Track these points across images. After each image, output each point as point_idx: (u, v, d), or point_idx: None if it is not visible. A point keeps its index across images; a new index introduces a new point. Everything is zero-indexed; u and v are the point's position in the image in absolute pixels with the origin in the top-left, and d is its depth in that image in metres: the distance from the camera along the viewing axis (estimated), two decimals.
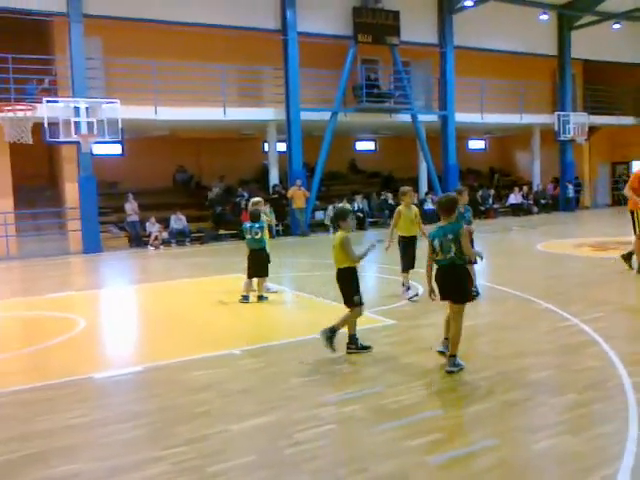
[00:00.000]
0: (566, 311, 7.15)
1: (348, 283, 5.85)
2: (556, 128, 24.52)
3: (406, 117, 21.28)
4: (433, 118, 22.24)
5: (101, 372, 5.68)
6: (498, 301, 7.98)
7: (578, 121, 25.02)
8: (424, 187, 23.10)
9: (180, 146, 21.92)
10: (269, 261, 8.87)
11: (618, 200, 29.02)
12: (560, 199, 25.68)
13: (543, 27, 24.12)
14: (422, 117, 21.63)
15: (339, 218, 5.95)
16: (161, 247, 17.45)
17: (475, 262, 7.73)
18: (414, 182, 23.49)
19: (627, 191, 9.90)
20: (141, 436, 4.18)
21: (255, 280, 8.67)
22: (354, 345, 5.86)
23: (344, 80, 19.70)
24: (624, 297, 8.11)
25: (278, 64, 19.14)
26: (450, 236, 5.08)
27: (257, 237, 8.68)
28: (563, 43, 24.93)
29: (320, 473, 3.55)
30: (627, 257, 9.98)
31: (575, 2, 23.89)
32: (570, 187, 25.59)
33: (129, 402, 4.90)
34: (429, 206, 21.25)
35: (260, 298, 8.61)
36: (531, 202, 24.73)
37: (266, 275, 8.80)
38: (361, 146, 26.95)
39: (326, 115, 19.71)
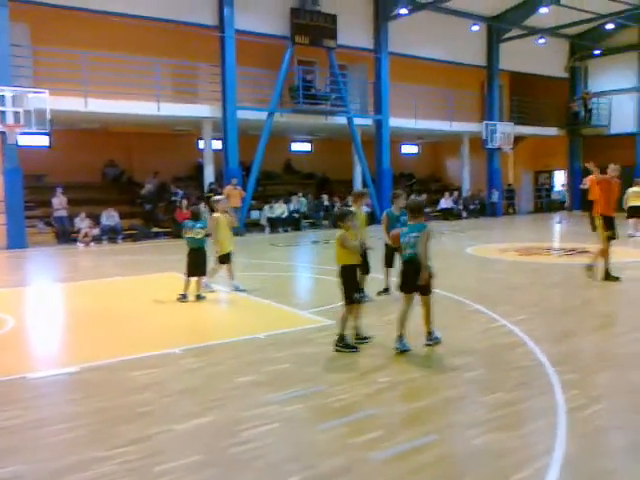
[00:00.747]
0: (495, 312, 7.48)
1: (348, 280, 6.01)
2: (484, 136, 25.49)
3: (342, 120, 21.56)
4: (368, 122, 22.62)
5: (34, 372, 5.50)
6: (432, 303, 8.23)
7: (504, 130, 26.10)
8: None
9: (110, 140, 21.33)
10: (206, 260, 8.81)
11: (541, 207, 30.51)
12: (487, 205, 26.68)
13: (474, 38, 25.03)
14: (357, 120, 21.97)
15: (338, 219, 6.22)
16: (91, 244, 16.93)
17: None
18: (349, 184, 23.85)
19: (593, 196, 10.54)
20: (83, 437, 4.09)
21: (194, 279, 8.59)
22: (342, 343, 5.98)
23: (281, 81, 19.75)
24: (548, 300, 8.54)
25: (215, 61, 18.97)
26: (415, 234, 5.73)
27: (198, 237, 8.61)
28: (492, 55, 25.94)
29: (267, 470, 3.60)
30: (589, 267, 9.94)
31: (504, 15, 24.92)
32: (496, 193, 26.61)
33: (67, 403, 4.78)
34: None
35: (198, 297, 8.55)
36: (460, 207, 25.57)
37: (204, 274, 8.73)
38: (297, 147, 27.07)
39: (262, 115, 19.69)
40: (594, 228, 9.98)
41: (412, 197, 6.63)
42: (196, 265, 8.59)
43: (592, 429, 4.14)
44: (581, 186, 19.14)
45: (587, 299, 8.62)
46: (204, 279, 8.94)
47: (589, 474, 3.54)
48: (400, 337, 5.86)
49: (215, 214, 9.36)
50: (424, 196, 23.90)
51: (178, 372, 5.42)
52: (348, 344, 6.01)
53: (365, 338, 6.25)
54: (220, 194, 18.76)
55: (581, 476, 3.51)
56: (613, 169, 9.66)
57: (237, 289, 9.11)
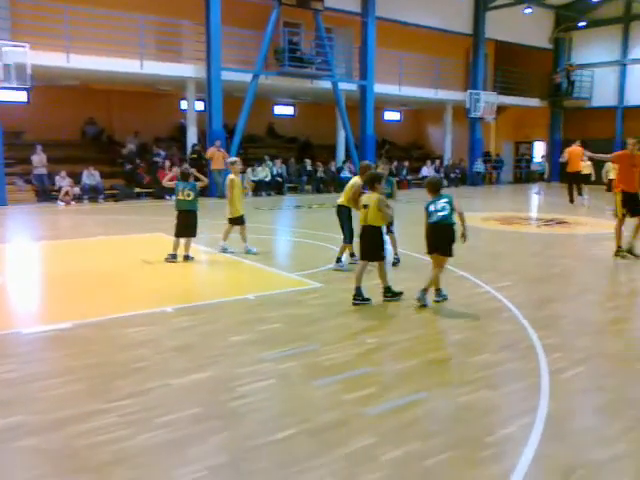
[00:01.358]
0: (479, 279, 7.67)
1: (377, 240, 6.45)
2: (467, 105, 25.51)
3: (327, 84, 21.38)
4: (353, 87, 22.48)
5: (28, 327, 5.56)
6: (417, 268, 8.38)
7: (488, 100, 26.13)
8: (342, 155, 23.44)
9: (91, 98, 20.94)
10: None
11: (520, 177, 30.81)
12: (468, 174, 26.86)
13: (461, 5, 24.88)
14: (342, 85, 21.81)
15: (375, 181, 6.51)
16: (72, 203, 16.76)
17: (392, 231, 8.18)
18: (332, 150, 23.83)
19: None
20: (80, 391, 4.18)
21: (182, 240, 8.63)
22: (390, 293, 6.58)
23: (266, 42, 19.46)
24: (529, 268, 8.76)
25: (200, 20, 18.59)
26: (444, 200, 6.30)
27: (189, 198, 8.62)
28: (478, 23, 25.80)
29: (265, 423, 3.74)
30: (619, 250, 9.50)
31: None
32: (479, 163, 26.76)
33: (62, 358, 4.84)
34: (346, 174, 21.63)
35: (186, 258, 8.60)
36: (442, 175, 25.69)
37: (194, 235, 8.76)
38: (280, 110, 26.84)
39: (247, 77, 19.45)
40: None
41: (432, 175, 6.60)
42: (185, 226, 8.61)
43: (573, 390, 4.35)
44: (560, 159, 19.47)
45: (566, 268, 8.86)
46: (220, 242, 9.22)
47: (571, 430, 3.74)
48: (437, 291, 6.56)
49: (230, 175, 9.42)
50: (395, 163, 23.77)
51: (171, 330, 5.52)
52: (395, 292, 6.60)
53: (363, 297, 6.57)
54: (203, 156, 18.68)
55: (563, 432, 3.71)
56: (633, 142, 9.23)
57: (249, 252, 9.16)
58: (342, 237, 8.25)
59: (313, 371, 4.57)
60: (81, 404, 3.95)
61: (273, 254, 9.94)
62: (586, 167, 18.56)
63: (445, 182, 25.34)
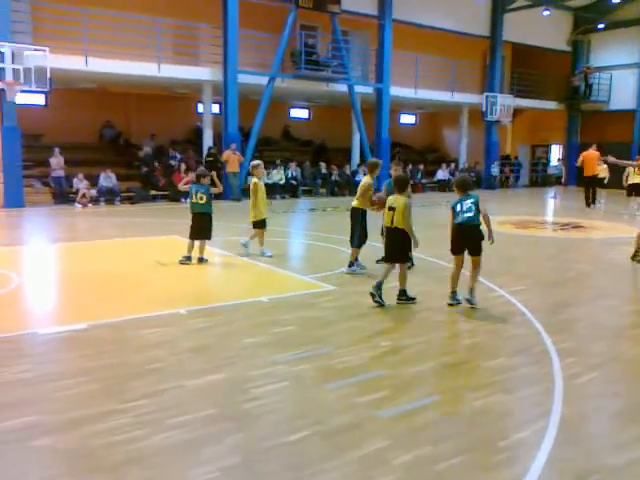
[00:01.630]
0: (493, 283, 7.64)
1: (405, 242, 6.57)
2: (484, 108, 25.38)
3: (342, 87, 21.40)
4: (369, 90, 22.48)
5: (44, 328, 5.63)
6: (431, 272, 8.39)
7: (505, 103, 25.98)
8: (357, 158, 23.44)
9: (108, 101, 21.14)
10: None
11: (536, 181, 30.59)
12: (484, 177, 26.70)
13: (478, 8, 24.77)
14: (358, 88, 21.82)
15: (404, 184, 6.71)
16: (89, 205, 16.93)
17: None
18: (347, 153, 23.84)
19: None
20: (95, 390, 4.23)
21: (197, 242, 8.68)
22: (404, 297, 6.64)
23: (283, 45, 19.52)
24: (544, 272, 8.71)
25: (217, 23, 18.71)
26: (470, 200, 6.35)
27: (202, 202, 8.67)
28: (496, 25, 25.66)
29: (278, 425, 3.76)
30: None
31: None
32: (494, 166, 26.57)
33: (77, 358, 4.89)
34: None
35: (200, 260, 8.65)
36: (472, 175, 25.59)
37: (208, 238, 8.82)
38: (295, 113, 26.91)
39: (263, 79, 19.53)
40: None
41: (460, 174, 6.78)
42: (199, 229, 8.67)
43: (587, 395, 4.32)
44: (576, 163, 19.42)
45: (582, 272, 8.80)
46: (259, 248, 9.30)
47: (585, 435, 3.72)
48: (453, 293, 6.56)
49: (254, 179, 9.41)
50: (410, 166, 23.70)
51: (186, 331, 5.56)
52: (409, 297, 6.64)
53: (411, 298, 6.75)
54: (219, 159, 18.79)
55: (577, 437, 3.68)
56: None
57: (264, 254, 9.21)
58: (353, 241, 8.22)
59: (326, 374, 4.58)
60: (96, 404, 4.00)
61: (287, 257, 9.96)
62: (602, 171, 18.49)
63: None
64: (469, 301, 6.48)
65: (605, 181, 18.88)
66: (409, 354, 5.07)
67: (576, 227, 14.00)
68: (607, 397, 4.31)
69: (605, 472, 3.31)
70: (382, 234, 8.53)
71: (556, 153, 31.03)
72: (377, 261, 8.54)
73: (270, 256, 9.19)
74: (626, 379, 4.64)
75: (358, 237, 8.13)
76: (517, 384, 4.53)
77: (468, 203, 6.36)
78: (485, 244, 6.44)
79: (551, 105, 28.59)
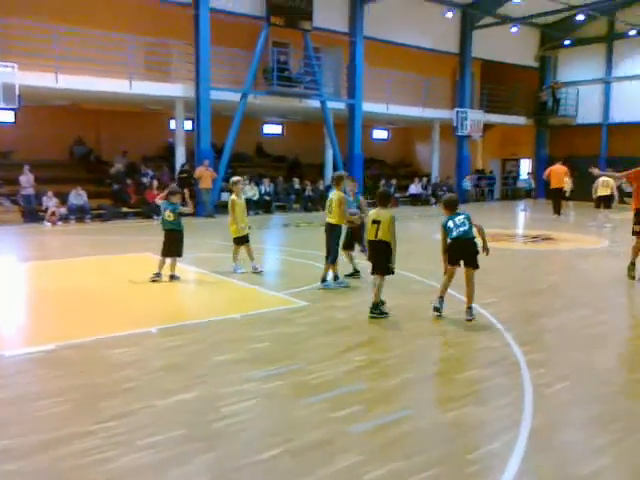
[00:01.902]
0: (465, 295, 7.68)
1: (388, 254, 6.66)
2: (454, 123, 25.75)
3: (315, 103, 21.52)
4: (341, 105, 22.65)
5: (11, 350, 5.51)
6: (405, 285, 8.41)
7: (475, 118, 26.40)
8: (330, 174, 23.51)
9: (79, 118, 20.94)
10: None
11: (507, 194, 31.06)
12: (455, 191, 26.97)
13: (448, 25, 25.18)
14: (331, 104, 21.97)
15: (387, 199, 6.91)
16: (59, 223, 16.69)
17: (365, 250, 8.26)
18: (320, 168, 23.94)
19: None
20: (66, 412, 4.15)
21: (168, 259, 8.62)
22: (377, 311, 6.68)
23: (255, 62, 19.60)
24: (515, 284, 8.83)
25: (189, 40, 18.73)
26: (462, 216, 6.57)
27: (170, 219, 8.63)
28: (465, 42, 26.11)
29: (250, 443, 3.73)
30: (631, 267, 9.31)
31: (478, 3, 25.11)
32: (466, 180, 26.88)
33: (46, 380, 4.81)
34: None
35: (172, 277, 8.59)
36: (429, 193, 25.89)
37: (178, 255, 8.76)
38: (268, 129, 26.98)
39: (236, 96, 19.56)
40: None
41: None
42: (169, 246, 8.63)
43: (557, 405, 4.37)
44: (544, 177, 20.35)
45: (552, 284, 8.93)
46: (232, 264, 9.22)
47: (554, 445, 3.75)
48: (441, 298, 6.73)
49: (232, 196, 9.29)
50: (383, 181, 23.94)
51: (158, 350, 5.50)
52: (382, 311, 6.70)
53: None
54: (192, 175, 18.72)
55: (546, 447, 3.72)
56: None
57: (254, 269, 9.17)
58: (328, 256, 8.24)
59: (299, 390, 4.57)
60: (66, 426, 3.92)
61: (261, 273, 9.92)
62: (567, 184, 19.83)
63: (433, 199, 25.58)
64: (468, 320, 6.58)
65: (567, 194, 20.01)
66: (382, 368, 5.09)
67: (546, 239, 14.23)
68: (576, 406, 4.37)
69: None
70: (363, 250, 8.64)
71: (526, 167, 31.55)
72: (345, 275, 8.66)
73: (261, 271, 9.20)
74: (595, 388, 4.71)
75: (334, 253, 8.13)
76: (489, 396, 4.57)
77: (461, 218, 6.57)
78: (480, 256, 6.62)
79: (520, 120, 29.13)
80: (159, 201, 9.29)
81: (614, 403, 4.41)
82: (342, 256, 8.62)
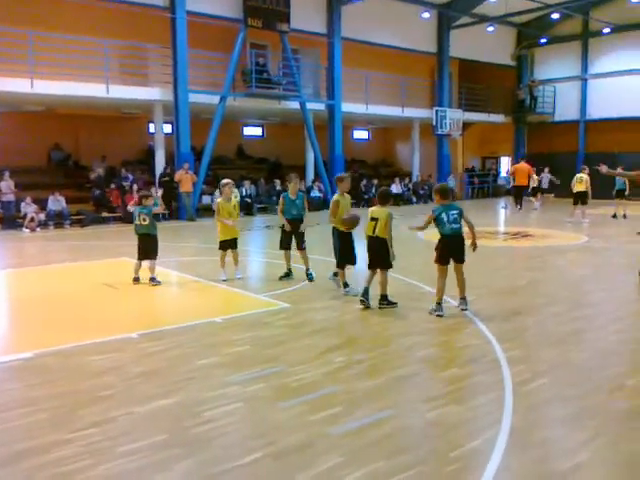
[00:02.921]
0: (445, 294, 7.71)
1: (386, 250, 6.92)
2: (434, 123, 25.88)
3: (295, 104, 21.52)
4: (321, 106, 22.66)
5: None
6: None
7: (454, 117, 26.57)
8: (311, 175, 23.54)
9: (56, 123, 20.71)
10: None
11: (487, 192, 31.28)
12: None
13: (425, 25, 25.33)
14: (310, 105, 21.97)
15: (386, 198, 7.17)
16: (37, 229, 16.50)
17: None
18: (301, 169, 23.89)
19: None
20: (43, 421, 4.10)
21: (146, 263, 8.58)
22: (386, 302, 7.07)
23: (233, 64, 19.54)
24: (495, 281, 8.89)
25: (166, 43, 18.62)
26: (456, 212, 6.73)
27: (145, 223, 8.58)
28: (442, 42, 26.28)
29: (231, 448, 3.71)
30: None
31: (454, 3, 25.28)
32: (452, 180, 26.93)
33: (23, 388, 4.74)
34: (316, 193, 21.75)
35: (152, 280, 8.53)
36: (410, 192, 25.99)
37: (153, 258, 8.70)
38: (249, 131, 26.91)
39: (215, 99, 19.48)
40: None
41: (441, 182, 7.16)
42: (145, 250, 8.65)
43: (536, 401, 4.40)
44: (508, 174, 21.63)
45: (531, 280, 9.00)
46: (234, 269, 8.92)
47: (533, 442, 3.78)
48: (438, 304, 6.79)
49: (219, 199, 8.97)
50: (364, 181, 24.05)
51: (137, 356, 5.45)
52: (391, 302, 7.08)
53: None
54: (172, 179, 18.61)
55: (526, 444, 3.75)
56: None
57: (236, 276, 8.87)
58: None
59: (280, 393, 4.56)
60: (42, 435, 3.87)
61: (242, 275, 9.88)
62: (533, 181, 21.44)
63: (414, 198, 25.67)
64: (463, 309, 6.91)
65: (529, 190, 21.56)
66: (363, 369, 5.09)
67: (526, 236, 14.36)
68: (556, 403, 4.40)
69: (555, 478, 3.37)
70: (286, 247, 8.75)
71: (505, 164, 31.80)
72: (280, 277, 8.80)
73: (240, 278, 8.92)
74: (574, 384, 4.75)
75: (338, 255, 7.90)
76: (469, 394, 4.59)
77: (454, 214, 6.72)
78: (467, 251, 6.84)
79: (498, 118, 29.37)
80: (131, 208, 9.19)
81: (593, 399, 4.45)
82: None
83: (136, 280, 8.52)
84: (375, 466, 3.45)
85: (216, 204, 8.99)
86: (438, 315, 6.68)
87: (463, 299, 6.99)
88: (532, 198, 21.70)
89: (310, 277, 8.75)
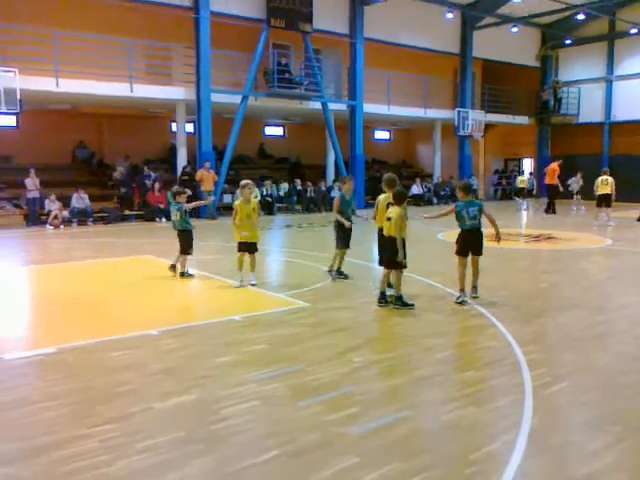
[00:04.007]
0: (465, 296, 7.67)
1: (395, 250, 6.92)
2: (456, 123, 25.73)
3: (316, 105, 21.55)
4: (342, 107, 22.66)
5: (10, 353, 5.51)
6: (404, 286, 8.38)
7: (476, 118, 26.39)
8: (332, 175, 23.54)
9: (81, 121, 21.03)
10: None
11: (509, 194, 30.98)
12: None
13: (448, 26, 25.19)
14: (332, 105, 21.99)
15: (402, 198, 7.19)
16: (61, 226, 16.73)
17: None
18: (322, 170, 23.94)
19: None
20: (62, 415, 4.15)
21: (183, 256, 8.98)
22: (400, 302, 7.03)
23: (256, 64, 19.64)
24: (516, 284, 8.80)
25: (189, 43, 18.77)
26: (476, 208, 7.28)
27: (176, 219, 8.76)
28: (466, 42, 26.13)
29: (249, 445, 3.72)
30: None
31: (478, 3, 25.10)
32: (473, 179, 26.77)
33: (45, 383, 4.80)
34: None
35: (182, 275, 8.81)
36: (431, 193, 25.86)
37: (188, 253, 8.99)
38: (270, 131, 27.01)
39: (237, 98, 19.59)
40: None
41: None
42: (180, 244, 9.01)
43: (556, 405, 4.35)
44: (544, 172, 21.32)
45: (553, 283, 8.90)
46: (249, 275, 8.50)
47: (553, 446, 3.73)
48: (461, 291, 7.27)
49: (237, 201, 8.56)
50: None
51: (157, 353, 5.49)
52: (405, 303, 7.02)
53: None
54: (193, 177, 18.75)
55: (546, 447, 3.70)
56: None
57: (250, 282, 8.44)
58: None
59: (298, 392, 4.56)
60: (62, 430, 3.92)
61: (262, 274, 9.91)
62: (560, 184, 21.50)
63: (435, 199, 25.54)
64: (475, 297, 7.44)
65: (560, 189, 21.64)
66: (381, 369, 5.07)
67: (548, 238, 14.19)
68: (576, 407, 4.34)
69: None
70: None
71: (528, 166, 31.47)
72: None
73: (237, 287, 8.40)
74: (595, 389, 4.68)
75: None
76: (487, 396, 4.54)
77: (474, 210, 7.25)
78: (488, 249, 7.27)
79: (521, 120, 29.08)
80: (189, 205, 9.26)
81: (614, 404, 4.38)
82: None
83: (173, 268, 9.00)
84: (391, 467, 3.44)
85: (234, 205, 8.54)
86: (462, 301, 7.16)
87: (474, 287, 7.55)
88: (517, 197, 22.16)
89: (342, 276, 8.89)
